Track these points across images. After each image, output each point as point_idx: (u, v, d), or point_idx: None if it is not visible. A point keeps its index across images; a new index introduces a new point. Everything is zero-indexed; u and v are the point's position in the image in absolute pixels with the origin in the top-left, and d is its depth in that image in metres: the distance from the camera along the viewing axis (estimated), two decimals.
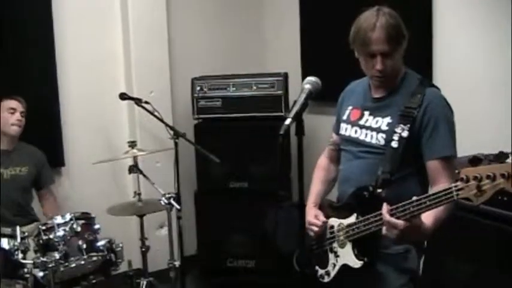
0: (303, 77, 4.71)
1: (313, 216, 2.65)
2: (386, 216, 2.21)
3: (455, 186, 2.04)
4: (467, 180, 1.99)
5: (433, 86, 2.52)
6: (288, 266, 4.40)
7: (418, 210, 2.16)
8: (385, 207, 2.23)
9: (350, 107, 2.65)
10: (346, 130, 2.63)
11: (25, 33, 4.32)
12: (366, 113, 2.56)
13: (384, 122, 2.47)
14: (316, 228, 2.61)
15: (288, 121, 2.10)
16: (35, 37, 4.38)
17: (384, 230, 2.25)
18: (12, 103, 3.90)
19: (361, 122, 2.56)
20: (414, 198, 2.18)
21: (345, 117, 2.66)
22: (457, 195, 2.04)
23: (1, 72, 4.20)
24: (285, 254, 4.35)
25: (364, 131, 2.54)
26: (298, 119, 2.13)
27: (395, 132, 2.40)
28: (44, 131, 4.40)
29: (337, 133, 2.73)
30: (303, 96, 2.19)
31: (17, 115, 3.88)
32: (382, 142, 2.44)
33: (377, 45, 2.35)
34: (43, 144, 4.31)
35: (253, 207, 4.47)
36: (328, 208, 2.69)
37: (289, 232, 4.11)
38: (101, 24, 4.72)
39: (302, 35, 4.92)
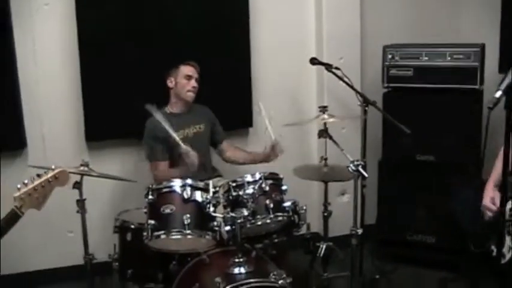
0: (501, 49, 4.51)
1: (489, 199, 2.49)
2: None
3: None
4: None
5: None
6: (469, 245, 4.25)
7: None
8: None
9: None
10: None
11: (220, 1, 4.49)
12: None
13: None
14: (490, 214, 2.46)
15: (498, 94, 1.98)
16: (231, 3, 4.53)
17: None
18: (189, 70, 4.04)
19: None
20: None
21: None
22: None
23: (204, 35, 4.41)
24: (469, 234, 4.21)
25: None
26: (509, 92, 2.00)
27: None
28: (234, 93, 4.55)
29: None
30: None
31: (193, 82, 4.03)
32: None
33: None
34: (233, 104, 4.48)
35: (439, 182, 4.35)
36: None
37: (476, 211, 3.97)
38: None
39: (504, 3, 4.61)
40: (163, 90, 4.08)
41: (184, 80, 4.02)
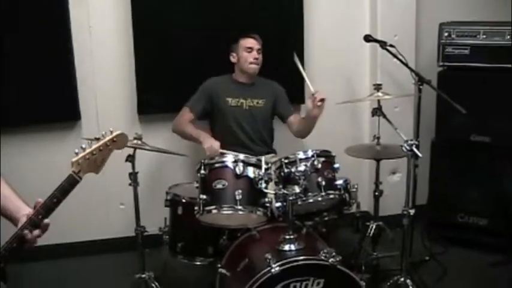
0: None
1: None
2: None
3: None
4: None
5: None
6: None
7: None
8: None
9: None
10: None
11: None
12: None
13: None
14: None
15: None
16: None
17: None
18: (249, 42, 3.98)
19: None
20: None
21: None
22: None
23: (247, 9, 4.39)
24: None
25: None
26: None
27: None
28: (287, 70, 4.49)
29: None
30: None
31: (254, 53, 3.97)
32: None
33: None
34: (285, 82, 4.42)
35: (493, 164, 4.27)
36: None
37: None
38: None
39: None
40: (217, 64, 4.07)
41: (246, 52, 3.97)
